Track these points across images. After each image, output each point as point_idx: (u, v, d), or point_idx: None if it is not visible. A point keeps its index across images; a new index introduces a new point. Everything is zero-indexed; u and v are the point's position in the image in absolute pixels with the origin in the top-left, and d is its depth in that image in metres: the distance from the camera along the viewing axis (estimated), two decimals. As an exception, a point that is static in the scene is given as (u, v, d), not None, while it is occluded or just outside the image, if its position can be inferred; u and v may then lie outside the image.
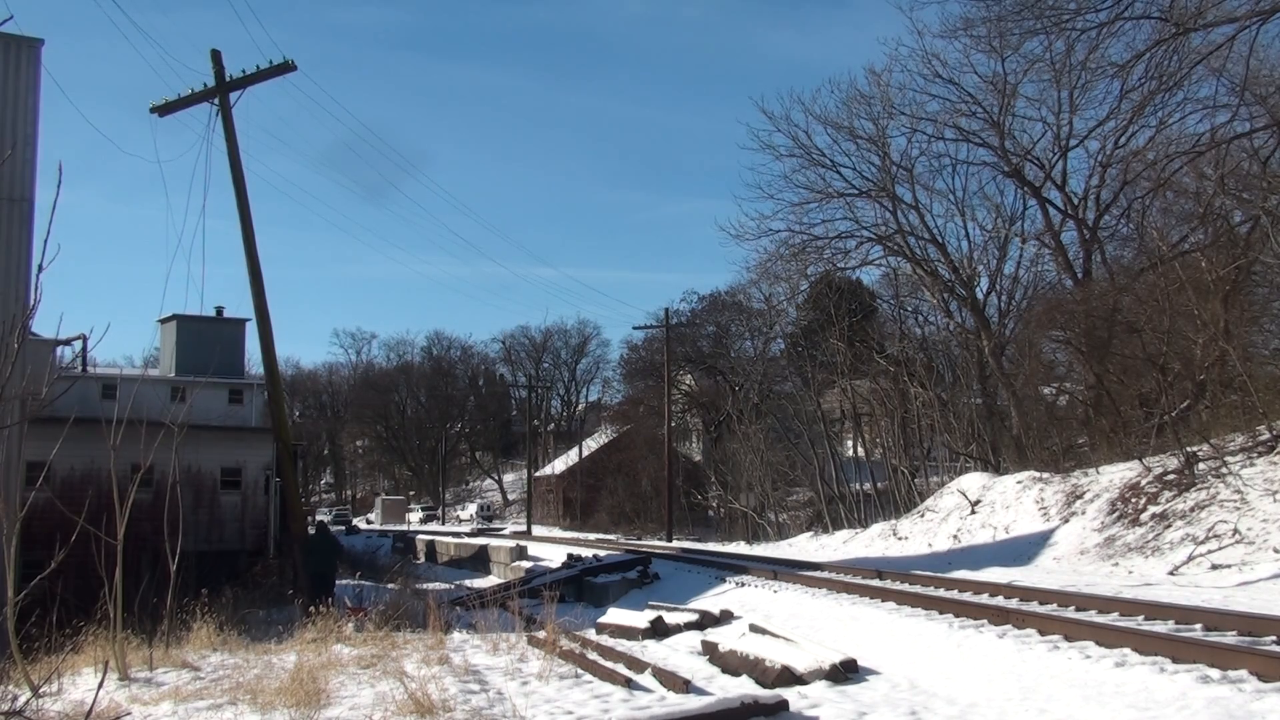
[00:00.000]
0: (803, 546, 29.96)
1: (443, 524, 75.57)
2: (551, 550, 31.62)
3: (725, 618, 12.99)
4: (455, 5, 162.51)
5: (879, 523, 29.08)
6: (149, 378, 29.47)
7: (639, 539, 43.35)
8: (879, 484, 36.52)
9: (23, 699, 8.11)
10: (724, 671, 9.46)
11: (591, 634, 12.22)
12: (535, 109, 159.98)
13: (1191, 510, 16.69)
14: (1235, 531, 14.84)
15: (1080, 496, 20.48)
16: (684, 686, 8.38)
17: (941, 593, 13.01)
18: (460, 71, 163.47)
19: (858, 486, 37.91)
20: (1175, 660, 7.61)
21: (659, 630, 12.31)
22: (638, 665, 9.33)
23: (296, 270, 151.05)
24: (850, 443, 44.77)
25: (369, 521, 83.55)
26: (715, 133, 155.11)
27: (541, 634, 10.58)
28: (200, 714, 7.99)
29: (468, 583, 28.27)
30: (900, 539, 25.54)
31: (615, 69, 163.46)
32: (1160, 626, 9.19)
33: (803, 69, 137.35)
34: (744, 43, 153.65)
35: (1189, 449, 18.54)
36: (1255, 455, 17.71)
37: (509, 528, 65.22)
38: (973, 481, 25.51)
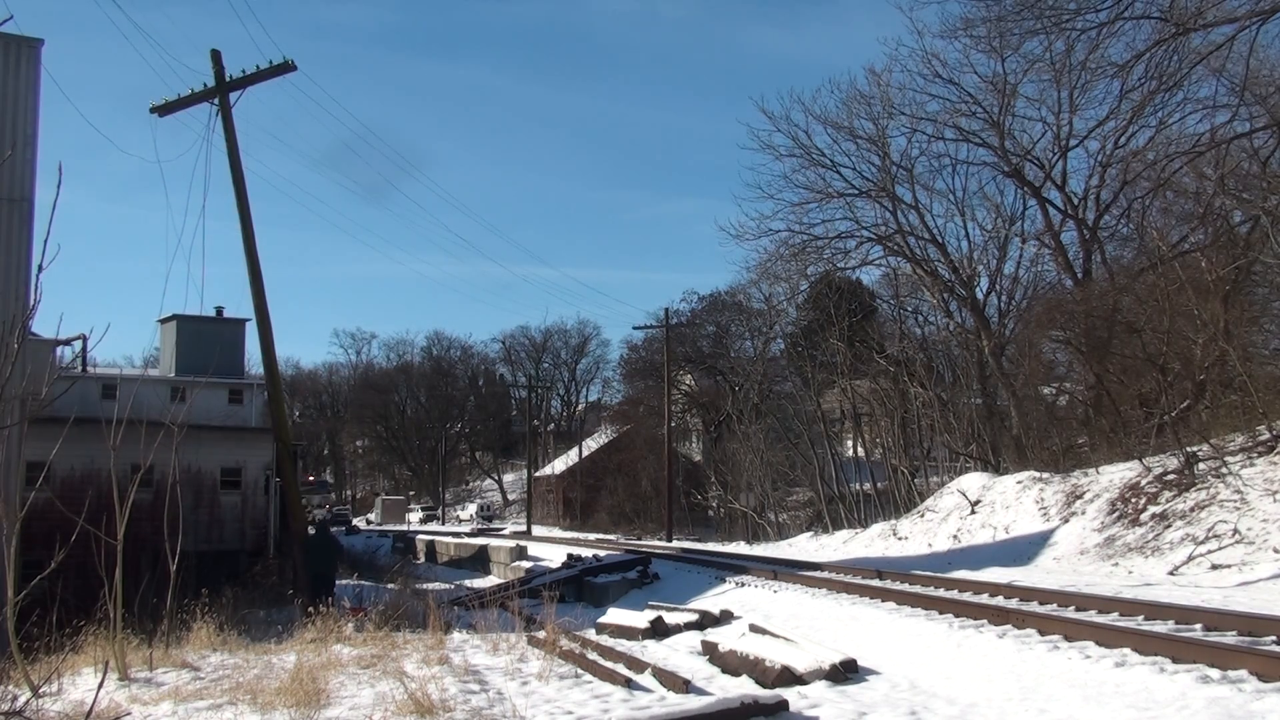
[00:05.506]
0: (803, 546, 29.95)
1: (443, 524, 75.56)
2: (551, 550, 31.62)
3: (725, 618, 12.99)
4: (454, 5, 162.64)
5: (879, 523, 29.07)
6: (149, 378, 29.52)
7: (639, 539, 43.33)
8: (879, 484, 36.52)
9: (23, 699, 8.11)
10: (724, 671, 9.46)
11: (591, 634, 12.21)
12: (534, 109, 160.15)
13: (1191, 510, 16.69)
14: (1235, 531, 14.84)
15: (1080, 496, 20.48)
16: (684, 686, 8.38)
17: (941, 593, 13.01)
18: (459, 71, 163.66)
19: (858, 486, 37.91)
20: (1175, 660, 7.61)
21: (659, 630, 12.31)
22: (638, 665, 9.33)
23: (296, 270, 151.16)
24: (850, 443, 44.75)
25: (369, 521, 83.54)
26: (715, 132, 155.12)
27: (541, 634, 10.57)
28: (200, 714, 7.98)
29: (468, 583, 28.28)
30: (900, 539, 25.54)
31: (613, 68, 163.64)
32: (1160, 626, 9.19)
33: (793, 66, 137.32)
34: (730, 41, 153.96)
35: (1189, 449, 18.53)
36: (1255, 455, 17.71)
37: (509, 528, 65.19)
38: (973, 481, 25.50)
